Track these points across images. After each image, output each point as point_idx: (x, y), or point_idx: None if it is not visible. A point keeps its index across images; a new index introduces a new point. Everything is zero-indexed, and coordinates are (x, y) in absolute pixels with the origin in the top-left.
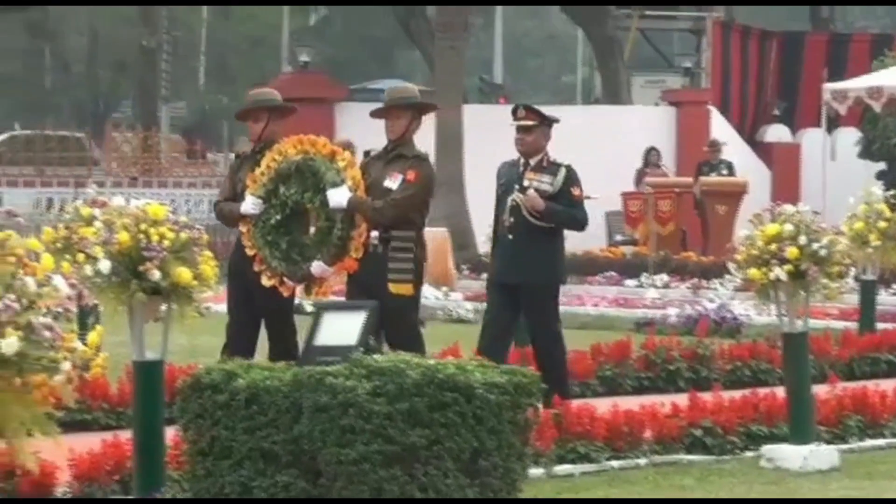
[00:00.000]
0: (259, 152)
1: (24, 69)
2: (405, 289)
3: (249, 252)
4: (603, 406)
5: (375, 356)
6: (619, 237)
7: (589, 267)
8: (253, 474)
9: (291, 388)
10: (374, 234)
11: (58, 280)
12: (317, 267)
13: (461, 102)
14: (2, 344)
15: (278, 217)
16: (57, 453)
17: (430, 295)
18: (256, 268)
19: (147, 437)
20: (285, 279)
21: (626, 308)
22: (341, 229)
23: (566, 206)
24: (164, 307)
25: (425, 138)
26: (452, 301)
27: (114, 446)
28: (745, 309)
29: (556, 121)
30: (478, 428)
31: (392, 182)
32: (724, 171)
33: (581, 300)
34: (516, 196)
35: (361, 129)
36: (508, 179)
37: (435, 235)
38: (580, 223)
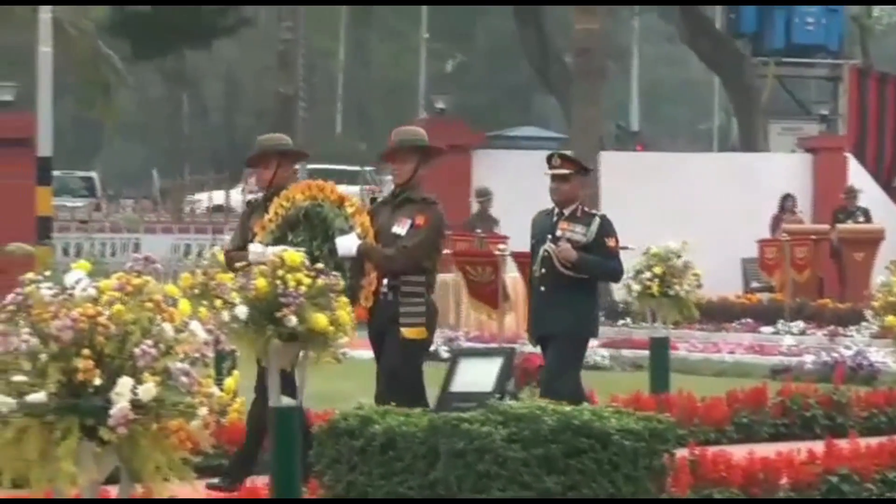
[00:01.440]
0: (269, 199)
1: (163, 117)
2: (418, 332)
3: None
4: (739, 453)
5: (511, 402)
6: (755, 283)
7: (725, 313)
8: None
9: (427, 434)
10: (384, 281)
11: (195, 326)
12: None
13: (598, 149)
14: (140, 390)
15: None
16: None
17: None
18: None
19: (283, 483)
20: None
21: (762, 355)
22: (350, 278)
23: (600, 257)
24: (300, 353)
25: None
26: (588, 347)
27: (250, 492)
28: (881, 356)
29: (591, 169)
30: (614, 474)
31: (400, 228)
32: (861, 219)
33: (717, 347)
34: (548, 246)
35: (498, 175)
36: (542, 229)
37: None
38: (614, 274)
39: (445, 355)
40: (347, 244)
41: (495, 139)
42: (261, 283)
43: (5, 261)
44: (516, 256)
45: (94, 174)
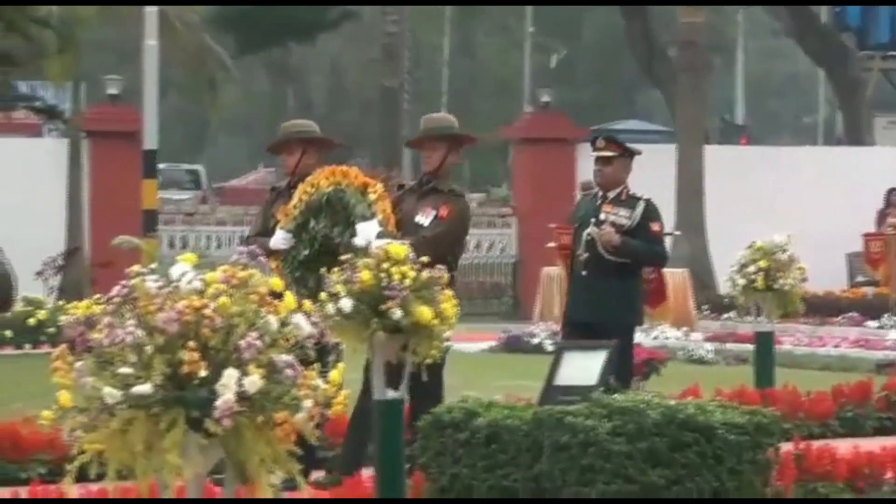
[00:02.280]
0: (293, 186)
1: (268, 111)
2: None
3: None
4: (844, 447)
5: (616, 396)
6: (860, 278)
7: (830, 308)
8: None
9: (532, 427)
10: None
11: (299, 318)
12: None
13: (703, 143)
14: (245, 382)
15: (307, 252)
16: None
17: (670, 335)
18: None
19: (388, 476)
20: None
21: (868, 349)
22: None
23: (644, 242)
24: (404, 345)
25: (666, 179)
26: (693, 341)
27: (356, 484)
28: None
29: (638, 153)
30: (718, 468)
31: (424, 218)
32: None
33: (822, 341)
34: (591, 230)
35: None
36: (585, 213)
37: (675, 276)
38: (658, 259)
39: (550, 348)
40: (367, 231)
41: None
42: (365, 275)
43: (112, 254)
44: None
45: (199, 167)
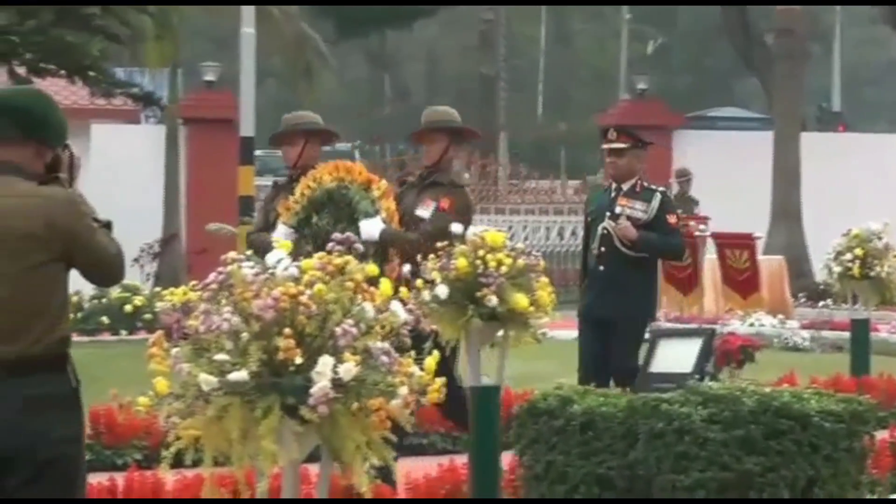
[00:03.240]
0: (295, 180)
1: (364, 98)
2: None
3: None
4: None
5: (711, 383)
6: None
7: None
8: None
9: (627, 415)
10: (407, 267)
11: (395, 305)
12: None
13: (799, 131)
14: (340, 369)
15: (309, 248)
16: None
17: (766, 322)
18: None
19: (483, 462)
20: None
21: None
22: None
23: (661, 235)
24: (500, 333)
25: (763, 166)
26: (788, 329)
27: (450, 471)
28: None
29: (650, 143)
30: (813, 456)
31: (424, 210)
32: None
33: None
34: (607, 224)
35: (698, 157)
36: (599, 206)
37: (771, 264)
38: (676, 252)
39: (645, 336)
40: (371, 228)
41: (696, 120)
42: (462, 263)
43: (208, 240)
44: (716, 237)
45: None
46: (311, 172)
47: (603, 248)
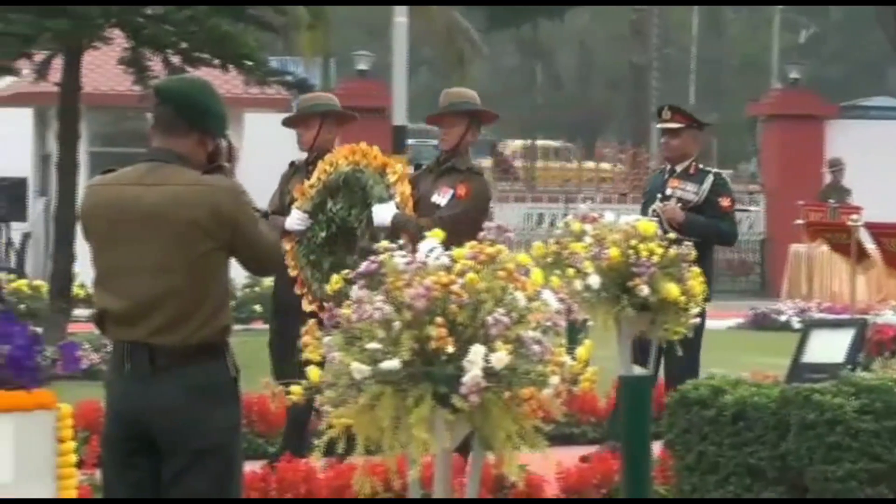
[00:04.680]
0: (311, 162)
1: (517, 87)
2: None
3: (291, 273)
4: None
5: (863, 374)
6: None
7: None
8: (740, 490)
9: (778, 405)
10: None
11: (547, 295)
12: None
13: None
14: (492, 358)
15: (323, 234)
16: (545, 466)
17: None
18: (297, 290)
19: (634, 452)
20: (325, 304)
21: None
22: None
23: (712, 218)
24: (652, 322)
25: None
26: None
27: (601, 460)
28: None
29: (708, 124)
30: None
31: (441, 197)
32: None
33: None
34: (657, 206)
35: (851, 146)
36: (653, 187)
37: None
38: (726, 237)
39: (797, 326)
40: (383, 214)
41: (848, 109)
42: (614, 252)
43: None
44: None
45: None
46: (328, 156)
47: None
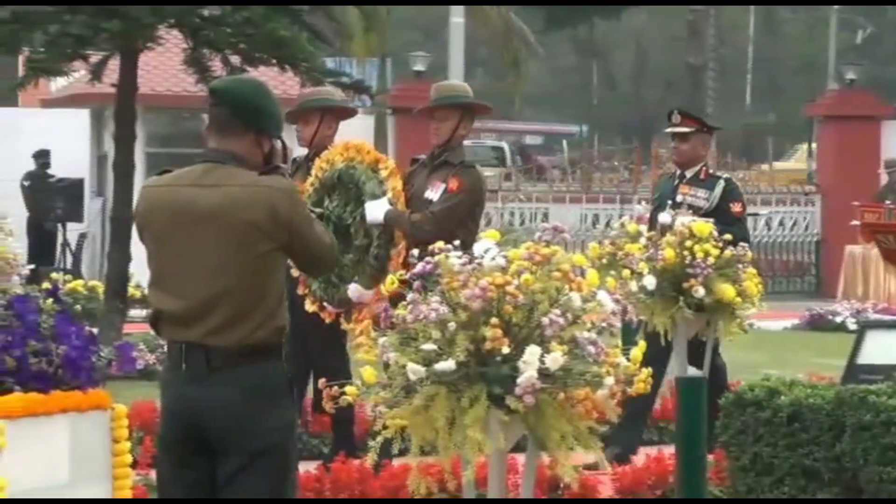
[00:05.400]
0: (311, 159)
1: (573, 87)
2: None
3: (294, 273)
4: None
5: None
6: None
7: None
8: (794, 491)
9: (834, 406)
10: (415, 252)
11: (602, 295)
12: (353, 290)
13: None
14: (547, 359)
15: None
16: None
17: None
18: (301, 291)
19: (689, 453)
20: (325, 304)
21: None
22: (378, 247)
23: (723, 224)
24: (707, 323)
25: None
26: None
27: (656, 461)
28: None
29: (718, 128)
30: None
31: (433, 192)
32: None
33: None
34: (667, 212)
35: None
36: (662, 193)
37: None
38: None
39: (853, 327)
40: (376, 210)
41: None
42: (669, 253)
43: None
44: None
45: (504, 144)
46: (324, 154)
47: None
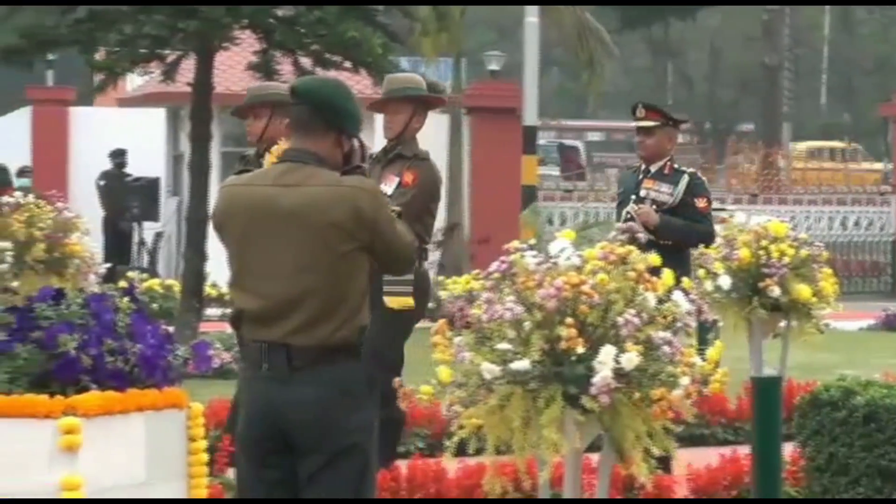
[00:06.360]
0: (262, 154)
1: (647, 87)
2: (403, 302)
3: None
4: None
5: None
6: None
7: None
8: (870, 492)
9: None
10: None
11: (678, 295)
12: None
13: None
14: (622, 359)
15: None
16: (675, 467)
17: None
18: None
19: (764, 453)
20: None
21: None
22: None
23: (688, 219)
24: (783, 323)
25: None
26: None
27: (731, 461)
28: None
29: (684, 121)
30: None
31: (388, 186)
32: None
33: None
34: (630, 208)
35: None
36: (626, 188)
37: None
38: (704, 238)
39: None
40: None
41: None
42: (744, 253)
43: (490, 229)
44: None
45: (578, 143)
46: (274, 149)
47: (627, 235)
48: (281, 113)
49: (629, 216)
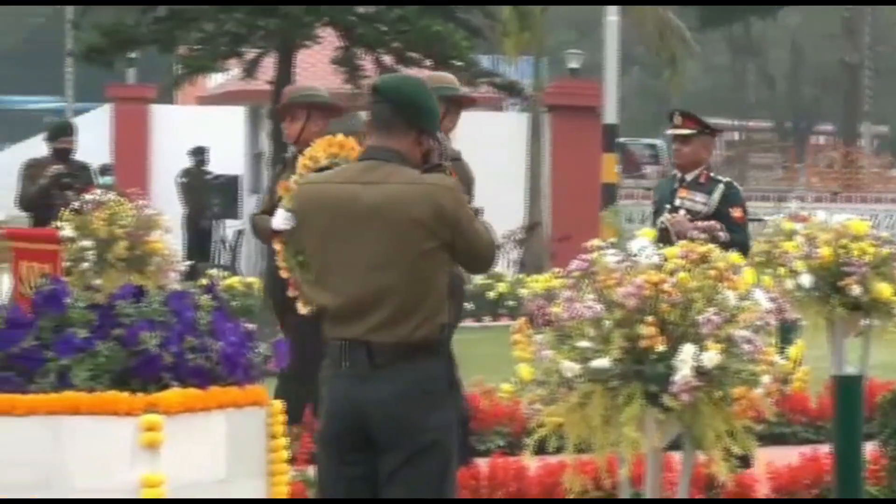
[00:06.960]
0: (297, 157)
1: (728, 86)
2: None
3: (284, 275)
4: None
5: None
6: None
7: None
8: None
9: None
10: None
11: (758, 294)
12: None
13: None
14: (703, 357)
15: None
16: (756, 466)
17: None
18: (291, 293)
19: (846, 452)
20: None
21: None
22: None
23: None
24: (864, 322)
25: None
26: None
27: (812, 460)
28: None
29: (721, 130)
30: None
31: None
32: None
33: None
34: (665, 217)
35: None
36: (661, 197)
37: None
38: (738, 250)
39: None
40: None
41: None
42: (825, 251)
43: (571, 227)
44: None
45: (659, 142)
46: (308, 150)
47: (661, 244)
48: (317, 115)
49: (663, 225)
